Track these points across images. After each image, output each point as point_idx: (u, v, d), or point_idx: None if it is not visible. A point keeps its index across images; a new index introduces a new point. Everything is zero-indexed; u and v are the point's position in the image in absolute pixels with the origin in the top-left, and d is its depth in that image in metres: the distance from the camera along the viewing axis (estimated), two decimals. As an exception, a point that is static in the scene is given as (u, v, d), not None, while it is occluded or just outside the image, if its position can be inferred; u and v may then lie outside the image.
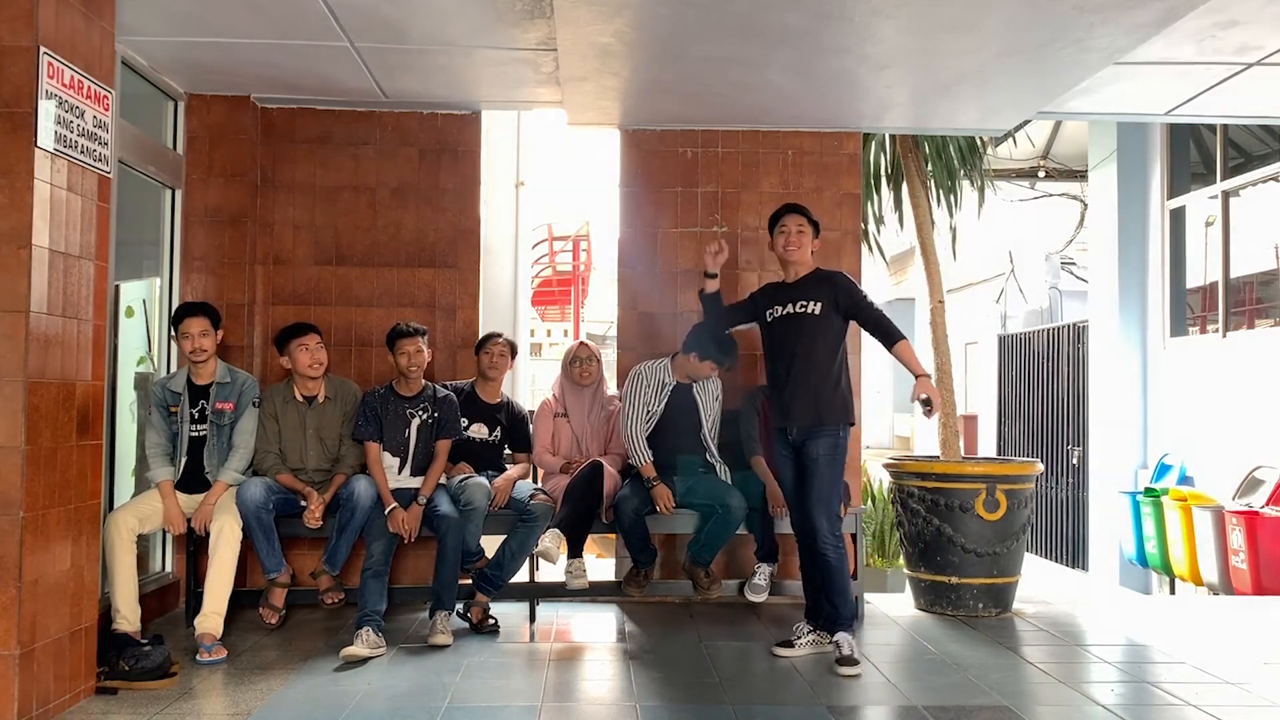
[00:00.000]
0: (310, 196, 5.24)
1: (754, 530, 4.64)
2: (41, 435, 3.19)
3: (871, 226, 6.23)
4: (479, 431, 4.80)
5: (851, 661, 3.88)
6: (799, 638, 4.16)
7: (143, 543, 4.33)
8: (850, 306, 4.11)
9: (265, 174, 5.21)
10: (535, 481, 4.92)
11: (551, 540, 4.36)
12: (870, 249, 6.19)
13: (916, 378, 4.02)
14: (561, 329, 21.45)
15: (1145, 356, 8.52)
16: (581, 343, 5.00)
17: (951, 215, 6.19)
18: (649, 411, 4.68)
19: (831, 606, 4.07)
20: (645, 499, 4.48)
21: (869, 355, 5.28)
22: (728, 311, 4.44)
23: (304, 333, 4.49)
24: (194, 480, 4.33)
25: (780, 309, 4.15)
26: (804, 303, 4.10)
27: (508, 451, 4.93)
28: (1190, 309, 8.46)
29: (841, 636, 4.00)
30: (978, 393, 12.79)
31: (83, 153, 3.38)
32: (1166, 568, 7.47)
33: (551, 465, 4.81)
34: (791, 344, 4.10)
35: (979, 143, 6.25)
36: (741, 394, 4.93)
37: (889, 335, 4.05)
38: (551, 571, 4.83)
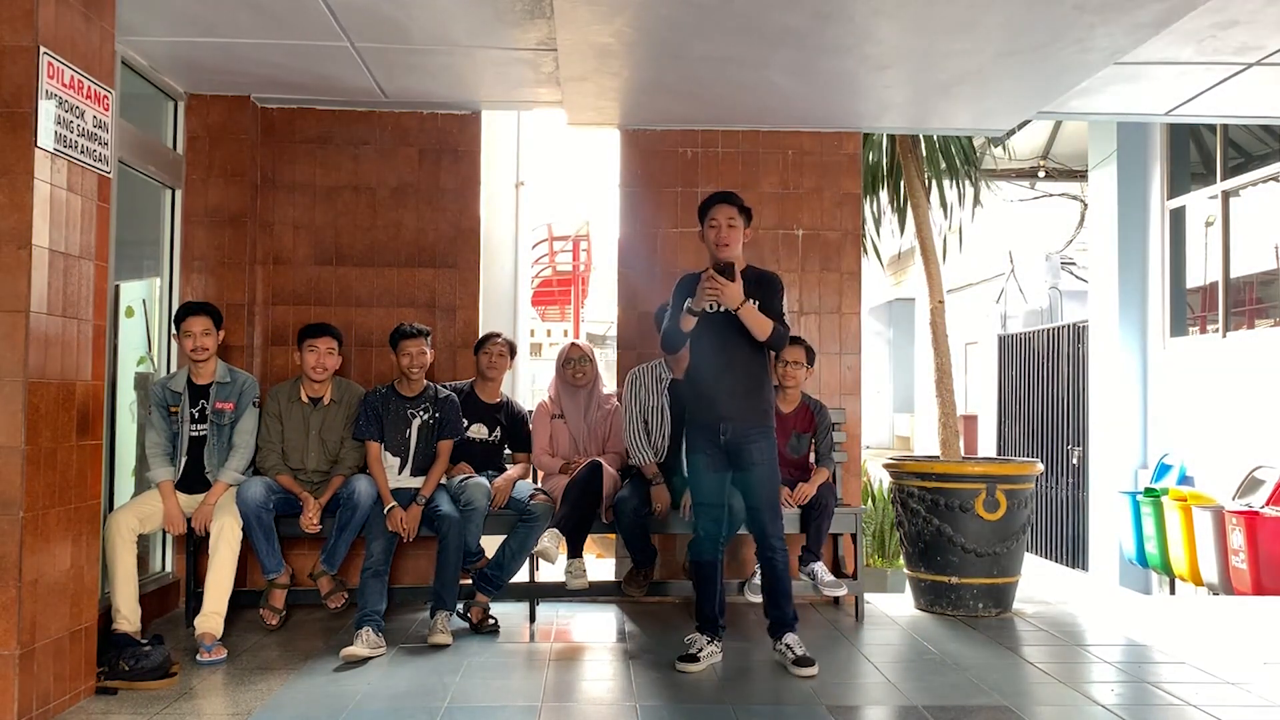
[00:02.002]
0: (310, 196, 5.24)
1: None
2: (41, 435, 3.19)
3: (870, 227, 6.23)
4: (479, 432, 4.80)
5: (808, 661, 3.83)
6: (700, 650, 3.98)
7: (143, 543, 4.33)
8: (764, 306, 3.84)
9: (265, 174, 5.21)
10: (535, 481, 4.92)
11: (550, 540, 4.36)
12: (865, 251, 6.19)
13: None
14: (561, 329, 21.45)
15: (1145, 356, 8.52)
16: (573, 344, 4.98)
17: (947, 214, 6.19)
18: (654, 408, 4.67)
19: (778, 610, 3.97)
20: (644, 499, 4.48)
21: (868, 355, 5.29)
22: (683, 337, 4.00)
23: (317, 334, 4.49)
24: (194, 480, 4.33)
25: (713, 304, 3.86)
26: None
27: (507, 451, 4.93)
28: (1190, 309, 8.46)
29: (791, 638, 3.93)
30: (978, 393, 12.79)
31: (83, 153, 3.38)
32: (1166, 568, 7.47)
33: (550, 466, 4.81)
34: (729, 341, 3.85)
35: (976, 144, 6.25)
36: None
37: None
38: (551, 571, 4.83)
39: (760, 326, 3.78)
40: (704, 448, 3.96)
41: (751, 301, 3.78)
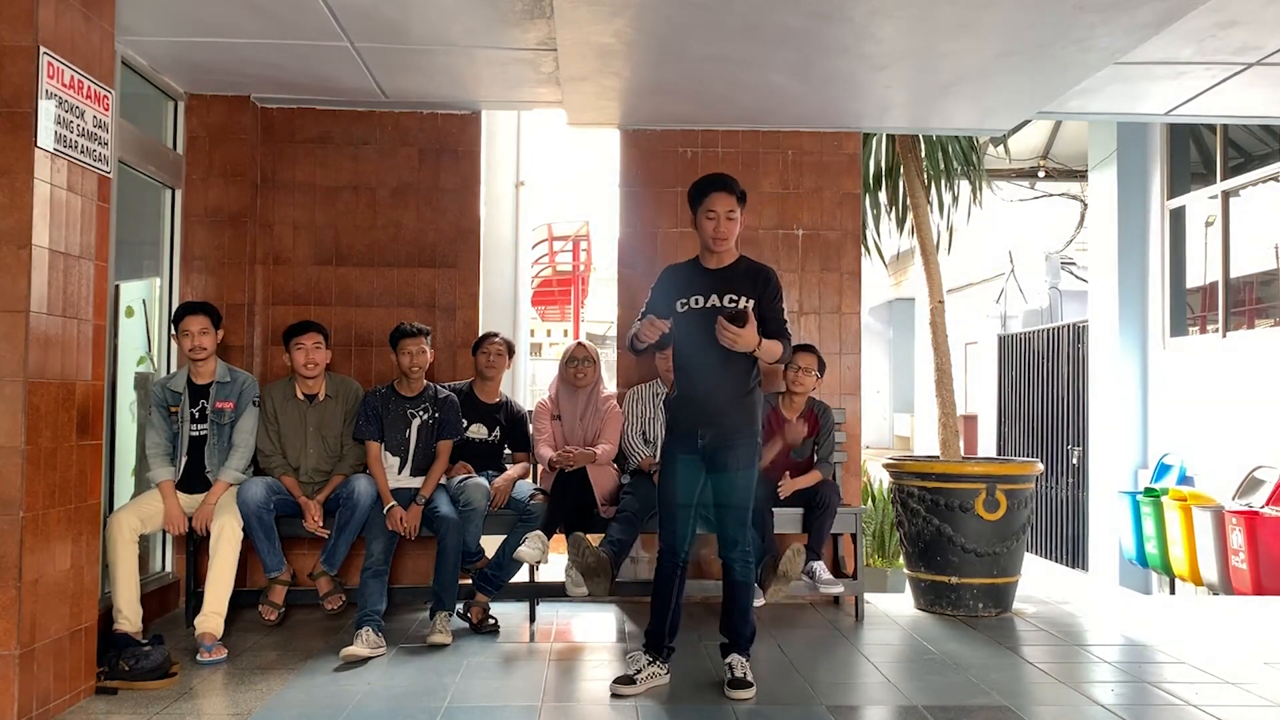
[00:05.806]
0: (310, 196, 5.24)
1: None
2: (41, 435, 3.19)
3: (870, 228, 6.22)
4: (478, 432, 4.80)
5: (746, 684, 3.55)
6: (639, 672, 3.67)
7: (143, 543, 4.33)
8: (764, 310, 3.58)
9: (265, 174, 5.21)
10: (535, 481, 4.91)
11: (530, 545, 4.23)
12: (868, 252, 6.18)
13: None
14: (561, 329, 21.47)
15: (1145, 356, 8.52)
16: (580, 344, 4.98)
17: (943, 214, 6.19)
18: (650, 419, 4.77)
19: (730, 627, 3.69)
20: (644, 504, 4.43)
21: (868, 355, 5.28)
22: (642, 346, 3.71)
23: (303, 332, 4.50)
24: (194, 480, 4.33)
25: (701, 299, 3.59)
26: (733, 296, 3.55)
27: (507, 451, 4.92)
28: (1190, 309, 8.46)
29: (735, 659, 3.65)
30: (978, 393, 12.78)
31: (83, 153, 3.38)
32: (1166, 568, 7.47)
33: (548, 456, 4.72)
34: (715, 341, 3.46)
35: (977, 142, 6.25)
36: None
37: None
38: (552, 571, 4.82)
39: (771, 354, 3.53)
40: (681, 450, 3.66)
41: (760, 339, 3.47)
